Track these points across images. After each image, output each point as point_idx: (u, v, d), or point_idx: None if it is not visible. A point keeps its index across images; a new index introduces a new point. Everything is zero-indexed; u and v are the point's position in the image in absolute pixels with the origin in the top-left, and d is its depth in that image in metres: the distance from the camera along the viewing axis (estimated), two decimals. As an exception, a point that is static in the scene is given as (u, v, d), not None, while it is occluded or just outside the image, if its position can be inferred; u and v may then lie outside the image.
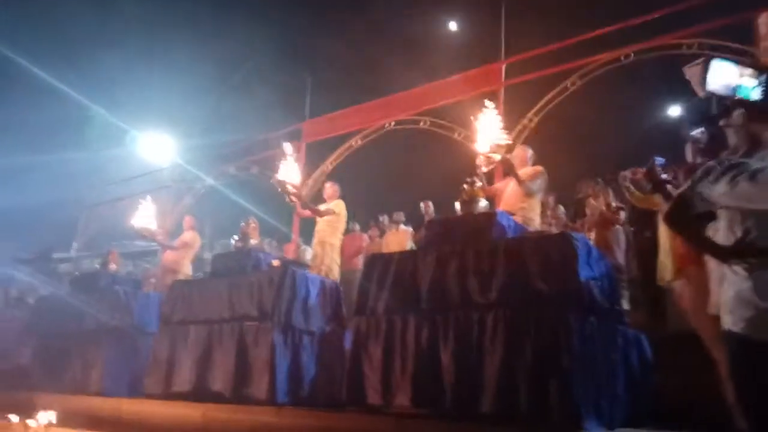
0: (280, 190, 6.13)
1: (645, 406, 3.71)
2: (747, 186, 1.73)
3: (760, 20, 5.14)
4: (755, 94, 1.73)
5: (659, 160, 2.79)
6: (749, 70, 1.75)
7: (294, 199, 6.37)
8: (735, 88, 1.73)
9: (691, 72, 7.24)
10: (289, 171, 6.14)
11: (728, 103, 1.83)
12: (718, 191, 1.82)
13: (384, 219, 8.77)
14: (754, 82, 1.74)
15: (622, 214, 6.50)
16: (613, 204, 6.69)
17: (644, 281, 6.08)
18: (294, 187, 6.14)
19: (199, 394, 4.81)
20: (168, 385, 5.06)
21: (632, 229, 6.64)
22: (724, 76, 1.72)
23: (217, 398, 4.69)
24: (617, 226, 6.47)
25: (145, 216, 7.27)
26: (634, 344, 3.92)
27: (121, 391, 5.57)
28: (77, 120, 12.32)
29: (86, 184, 12.15)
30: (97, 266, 8.07)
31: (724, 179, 1.79)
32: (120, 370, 5.80)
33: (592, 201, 7.05)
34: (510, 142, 4.66)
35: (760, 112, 1.79)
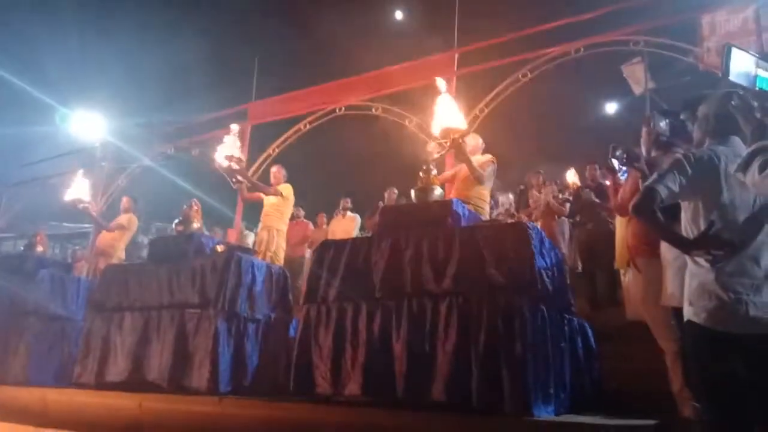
0: (224, 169, 5.89)
1: (589, 392, 3.80)
2: None
3: (704, 21, 5.34)
4: None
5: (618, 152, 2.82)
6: (764, 63, 1.74)
7: (239, 178, 6.14)
8: (755, 79, 1.71)
9: (629, 70, 7.51)
10: (231, 147, 5.91)
11: (749, 93, 1.82)
12: (750, 181, 1.82)
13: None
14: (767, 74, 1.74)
15: (568, 206, 6.66)
16: (560, 196, 6.85)
17: (585, 271, 6.27)
18: (238, 164, 5.91)
19: (135, 383, 4.58)
20: (100, 374, 4.80)
21: (573, 220, 6.82)
22: (743, 64, 1.70)
23: (154, 388, 4.48)
24: (562, 218, 6.63)
25: (78, 190, 6.85)
26: (579, 332, 3.99)
27: (46, 381, 5.24)
28: (1, 96, 11.45)
29: (9, 161, 11.36)
30: (22, 248, 7.55)
31: (754, 167, 1.79)
32: (46, 358, 5.47)
33: (535, 192, 7.20)
34: (464, 126, 4.62)
35: None
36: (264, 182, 6.98)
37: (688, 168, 2.03)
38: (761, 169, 1.73)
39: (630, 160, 2.86)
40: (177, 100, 10.26)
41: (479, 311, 3.31)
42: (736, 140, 2.06)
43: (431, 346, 3.38)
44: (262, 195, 6.73)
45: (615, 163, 3.24)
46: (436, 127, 4.46)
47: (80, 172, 7.04)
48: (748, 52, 1.74)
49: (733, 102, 1.91)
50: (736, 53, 1.70)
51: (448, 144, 4.55)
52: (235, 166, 5.93)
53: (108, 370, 4.80)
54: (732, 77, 1.71)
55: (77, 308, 5.67)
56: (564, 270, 4.12)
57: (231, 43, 10.59)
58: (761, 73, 1.74)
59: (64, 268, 6.47)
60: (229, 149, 5.88)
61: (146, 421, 4.23)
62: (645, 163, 2.89)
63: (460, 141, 4.54)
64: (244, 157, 6.31)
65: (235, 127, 6.05)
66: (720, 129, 2.07)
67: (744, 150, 1.93)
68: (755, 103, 1.87)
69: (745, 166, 1.82)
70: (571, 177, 7.25)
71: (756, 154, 1.79)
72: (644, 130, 2.98)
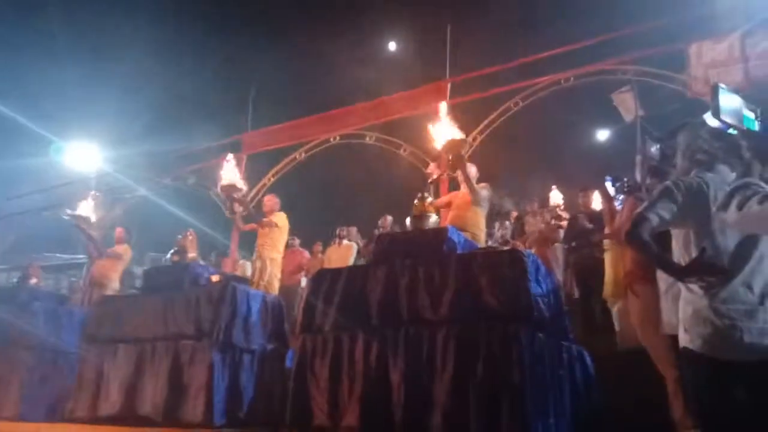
0: (225, 197, 5.94)
1: (588, 420, 3.76)
2: (759, 208, 1.75)
3: (691, 50, 5.46)
4: (756, 126, 1.78)
5: (609, 179, 2.86)
6: (749, 103, 1.80)
7: (237, 209, 6.17)
8: (742, 117, 1.76)
9: (619, 98, 7.68)
10: (232, 177, 5.96)
11: (739, 132, 1.86)
12: (730, 219, 1.84)
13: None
14: (752, 114, 1.79)
15: (561, 232, 6.68)
16: (552, 222, 6.87)
17: (582, 297, 6.26)
18: (239, 194, 5.97)
19: (128, 417, 4.51)
20: (94, 408, 4.73)
21: (567, 246, 6.83)
22: (732, 103, 1.75)
23: (147, 422, 4.41)
24: (556, 244, 6.63)
25: (83, 209, 6.86)
26: (577, 359, 3.98)
27: (39, 416, 5.16)
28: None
29: (4, 193, 11.33)
30: (15, 280, 7.50)
31: (732, 206, 1.81)
32: (39, 392, 5.37)
33: (530, 219, 7.22)
34: (465, 137, 4.72)
35: (760, 146, 1.84)
36: (258, 211, 6.99)
37: (678, 195, 2.06)
38: (739, 207, 1.76)
39: (631, 189, 2.90)
40: (172, 130, 10.31)
41: (476, 339, 3.30)
42: (723, 168, 2.09)
43: (429, 375, 3.36)
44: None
45: (611, 189, 3.27)
46: (439, 142, 4.55)
47: (92, 193, 7.05)
48: (734, 92, 1.79)
49: (714, 140, 1.96)
50: (724, 92, 1.75)
51: (451, 157, 4.64)
52: (238, 196, 5.99)
53: (101, 403, 4.72)
54: (723, 116, 1.74)
55: (71, 340, 5.60)
56: (560, 297, 4.13)
57: (226, 73, 10.71)
58: (747, 113, 1.79)
59: (57, 300, 6.42)
60: (230, 177, 5.92)
61: (140, 456, 4.15)
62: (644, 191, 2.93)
63: (462, 153, 4.63)
64: (243, 185, 6.34)
65: (230, 156, 6.10)
66: (705, 157, 2.10)
67: (730, 178, 1.97)
68: (743, 143, 1.91)
69: (724, 206, 1.84)
70: (554, 197, 7.32)
71: (734, 192, 1.82)
72: (638, 158, 3.03)
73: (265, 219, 6.62)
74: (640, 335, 3.35)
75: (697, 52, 5.43)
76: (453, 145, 4.50)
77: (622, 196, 3.40)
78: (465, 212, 4.96)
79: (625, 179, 2.85)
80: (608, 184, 3.34)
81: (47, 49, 11.24)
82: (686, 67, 5.53)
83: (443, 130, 4.55)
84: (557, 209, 6.87)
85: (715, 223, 1.97)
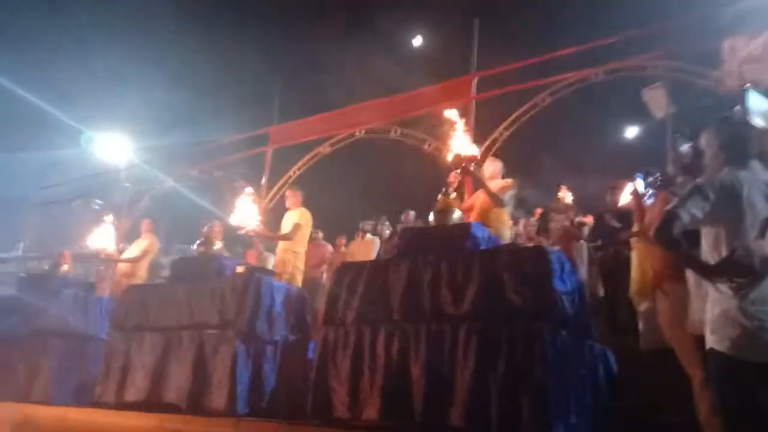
0: (243, 232, 6.07)
1: (611, 420, 3.72)
2: None
3: (725, 46, 5.32)
4: None
5: (640, 176, 2.82)
6: None
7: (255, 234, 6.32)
8: None
9: (649, 95, 7.54)
10: (247, 213, 6.07)
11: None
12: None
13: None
14: None
15: (585, 230, 6.62)
16: (576, 219, 6.80)
17: (607, 296, 6.19)
18: (253, 231, 6.10)
19: (154, 404, 4.61)
20: (120, 394, 4.84)
21: (593, 244, 6.75)
22: (761, 106, 1.72)
23: (172, 409, 4.50)
24: (580, 241, 6.57)
25: (103, 237, 7.04)
26: (601, 358, 3.93)
27: (67, 400, 5.29)
28: (27, 118, 11.76)
29: (36, 183, 11.63)
30: (47, 267, 7.70)
31: None
32: (67, 377, 5.52)
33: (555, 215, 7.17)
34: (476, 154, 4.69)
35: None
36: (282, 205, 7.07)
37: (710, 193, 2.02)
38: None
39: (664, 184, 2.84)
40: (200, 123, 10.45)
41: (498, 336, 3.29)
42: (756, 164, 2.04)
43: (450, 370, 3.35)
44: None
45: (640, 186, 3.22)
46: (450, 155, 4.55)
47: (110, 218, 7.24)
48: (761, 93, 1.75)
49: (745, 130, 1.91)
50: (753, 95, 1.71)
51: (461, 171, 4.63)
52: (255, 229, 6.13)
53: (128, 389, 4.83)
54: (753, 118, 1.71)
55: (99, 327, 5.73)
56: (584, 295, 4.08)
57: (253, 67, 10.79)
58: None
59: (87, 288, 6.57)
60: (243, 217, 6.03)
61: (164, 441, 4.24)
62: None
63: (471, 167, 4.60)
64: (260, 218, 6.46)
65: (249, 190, 6.21)
66: (736, 155, 2.06)
67: (764, 176, 1.92)
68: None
69: (762, 233, 1.80)
70: (561, 194, 7.25)
71: None
72: (671, 155, 2.98)
73: (285, 218, 6.73)
74: (667, 335, 3.30)
75: (731, 48, 5.28)
76: (460, 161, 4.51)
77: (651, 191, 3.34)
78: (488, 210, 4.94)
79: (658, 174, 2.79)
80: (638, 181, 3.29)
81: (78, 41, 11.47)
82: (719, 63, 5.39)
83: (456, 142, 4.55)
84: (575, 217, 6.84)
85: (748, 220, 1.92)
